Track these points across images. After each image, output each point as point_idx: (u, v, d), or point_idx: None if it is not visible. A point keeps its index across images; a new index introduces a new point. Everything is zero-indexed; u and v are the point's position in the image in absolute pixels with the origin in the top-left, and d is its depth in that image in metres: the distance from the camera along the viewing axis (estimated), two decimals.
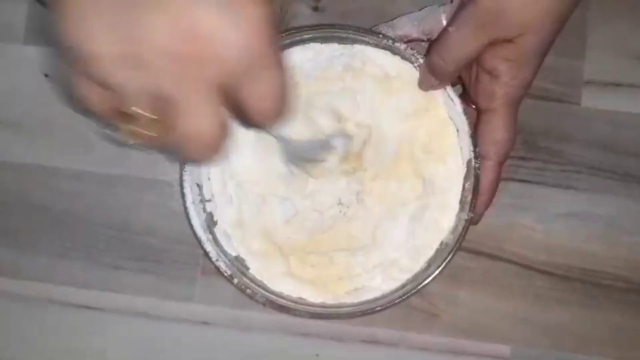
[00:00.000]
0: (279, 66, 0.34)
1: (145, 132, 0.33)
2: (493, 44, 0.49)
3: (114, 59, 0.31)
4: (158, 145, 0.35)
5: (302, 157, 0.54)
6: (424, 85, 0.54)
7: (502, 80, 0.50)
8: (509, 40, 0.49)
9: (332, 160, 0.54)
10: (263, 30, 0.31)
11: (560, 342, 0.58)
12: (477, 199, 0.53)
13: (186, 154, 0.34)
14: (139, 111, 0.32)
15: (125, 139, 0.34)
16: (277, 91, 0.34)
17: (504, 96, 0.51)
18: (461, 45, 0.50)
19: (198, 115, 0.32)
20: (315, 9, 0.60)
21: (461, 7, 0.51)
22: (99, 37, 0.30)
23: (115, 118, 0.34)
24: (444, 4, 0.55)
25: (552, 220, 0.59)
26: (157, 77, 0.31)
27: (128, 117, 0.33)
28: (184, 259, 0.59)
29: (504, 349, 0.58)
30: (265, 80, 0.33)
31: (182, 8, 0.30)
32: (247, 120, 0.35)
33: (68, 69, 0.33)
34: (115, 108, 0.33)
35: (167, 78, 0.31)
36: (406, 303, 0.56)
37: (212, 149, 0.34)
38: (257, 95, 0.33)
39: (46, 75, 0.61)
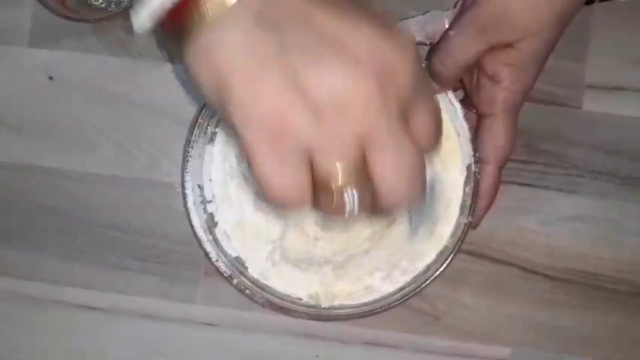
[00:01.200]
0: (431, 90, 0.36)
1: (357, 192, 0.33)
2: (494, 48, 0.49)
3: (306, 126, 0.32)
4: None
5: None
6: None
7: (503, 85, 0.50)
8: (510, 45, 0.49)
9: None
10: (415, 50, 0.33)
11: (563, 345, 0.58)
12: (476, 203, 0.53)
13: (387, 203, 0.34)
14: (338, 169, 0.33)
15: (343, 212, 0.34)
16: (438, 115, 0.36)
17: (505, 101, 0.51)
18: (462, 50, 0.50)
19: (401, 153, 0.33)
20: None
21: (462, 11, 0.51)
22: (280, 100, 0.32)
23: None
24: (447, 9, 0.56)
25: (554, 223, 0.59)
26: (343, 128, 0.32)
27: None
28: (187, 260, 0.60)
29: (505, 352, 0.58)
30: (430, 103, 0.35)
31: (339, 44, 0.31)
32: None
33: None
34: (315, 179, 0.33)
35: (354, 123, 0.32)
36: (408, 305, 0.56)
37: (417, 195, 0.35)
38: (427, 116, 0.35)
39: (50, 78, 0.62)
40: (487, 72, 0.51)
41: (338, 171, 0.32)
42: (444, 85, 0.53)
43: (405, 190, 0.33)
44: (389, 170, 0.33)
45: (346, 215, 0.33)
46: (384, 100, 0.31)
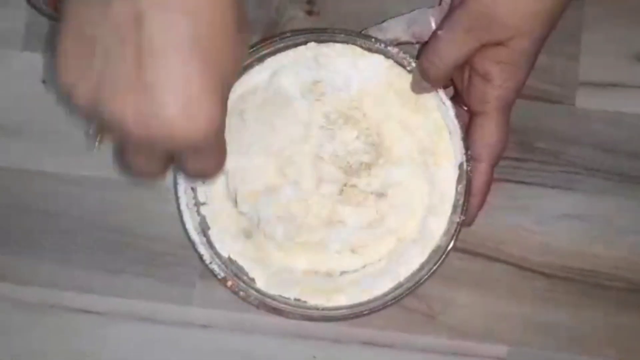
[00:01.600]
0: (219, 154, 0.41)
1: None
2: (484, 46, 0.49)
3: (86, 108, 0.37)
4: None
5: None
6: (416, 88, 0.54)
7: (495, 83, 0.50)
8: (500, 43, 0.49)
9: None
10: (210, 130, 0.36)
11: (559, 343, 0.58)
12: (469, 202, 0.53)
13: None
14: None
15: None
16: (210, 170, 0.41)
17: (497, 99, 0.51)
18: (451, 49, 0.50)
19: (146, 165, 0.40)
20: (310, 13, 0.61)
21: (451, 10, 0.51)
22: (79, 91, 0.36)
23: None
24: (432, 7, 0.56)
25: (550, 221, 0.59)
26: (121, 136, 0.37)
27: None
28: (182, 262, 0.60)
29: (502, 350, 0.58)
30: (203, 162, 0.40)
31: (145, 98, 0.35)
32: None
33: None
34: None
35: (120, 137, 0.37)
36: (404, 305, 0.57)
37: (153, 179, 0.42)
38: (196, 168, 0.40)
39: (44, 82, 0.62)
40: (478, 71, 0.51)
41: None
42: (434, 84, 0.53)
43: None
44: None
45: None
46: None
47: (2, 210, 0.62)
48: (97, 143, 0.42)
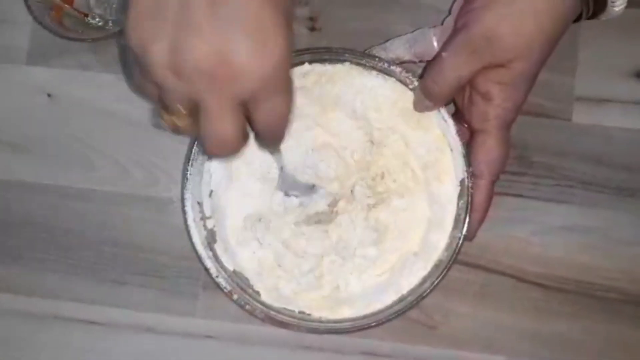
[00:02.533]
0: (289, 92, 0.40)
1: (181, 124, 0.40)
2: (486, 68, 0.50)
3: (163, 66, 0.37)
4: (189, 135, 0.44)
5: (294, 191, 0.57)
6: (419, 107, 0.55)
7: (495, 103, 0.52)
8: (501, 65, 0.50)
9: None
10: (281, 61, 0.37)
11: (557, 353, 0.59)
12: (470, 217, 0.54)
13: (208, 149, 0.41)
14: (178, 107, 0.39)
15: (166, 126, 0.41)
16: (283, 112, 0.41)
17: (497, 118, 0.52)
18: (454, 70, 0.51)
19: (219, 121, 0.39)
20: (312, 29, 0.62)
21: (454, 32, 0.52)
22: (155, 47, 0.37)
23: (161, 108, 0.41)
24: (434, 26, 0.57)
25: (546, 233, 0.60)
26: (192, 86, 0.37)
27: (170, 109, 0.40)
28: (186, 274, 0.60)
29: None
30: (276, 102, 0.40)
31: (220, 35, 0.36)
32: (256, 133, 0.42)
33: (132, 64, 0.40)
34: (162, 100, 0.40)
35: (200, 89, 0.37)
36: (405, 316, 0.57)
37: (229, 148, 0.40)
38: (267, 112, 0.40)
39: (49, 96, 0.62)
40: (479, 90, 0.52)
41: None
42: (437, 103, 0.54)
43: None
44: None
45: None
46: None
47: (6, 223, 0.62)
48: (164, 122, 0.41)
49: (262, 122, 0.40)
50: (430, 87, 0.53)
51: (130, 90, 0.62)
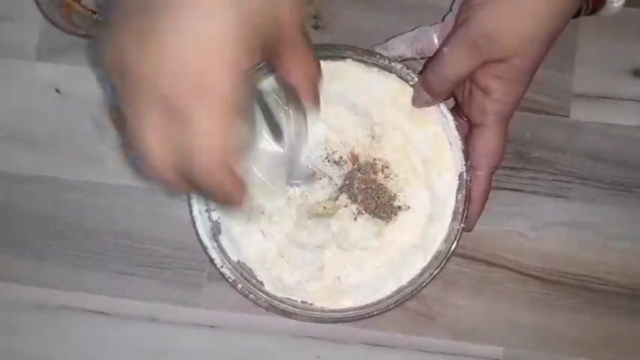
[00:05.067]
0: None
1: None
2: (485, 63, 0.51)
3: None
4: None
5: (296, 179, 0.57)
6: (418, 102, 0.56)
7: (494, 97, 0.52)
8: (501, 60, 0.51)
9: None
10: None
11: (553, 345, 0.60)
12: (468, 210, 0.55)
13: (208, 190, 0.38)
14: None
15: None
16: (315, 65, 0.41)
17: (496, 112, 0.53)
18: (455, 66, 0.52)
19: (209, 129, 0.36)
20: (316, 27, 0.62)
21: (454, 28, 0.53)
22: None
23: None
24: (434, 23, 0.58)
25: (544, 227, 0.61)
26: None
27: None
28: (191, 265, 0.62)
29: (498, 351, 0.60)
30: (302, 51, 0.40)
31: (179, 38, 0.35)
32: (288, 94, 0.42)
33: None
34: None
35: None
36: (405, 307, 0.58)
37: (227, 172, 0.37)
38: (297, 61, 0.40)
39: (58, 91, 0.63)
40: (479, 85, 0.53)
41: None
42: (437, 97, 0.55)
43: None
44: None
45: None
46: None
47: (15, 216, 0.63)
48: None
49: (296, 72, 0.41)
50: (431, 82, 0.54)
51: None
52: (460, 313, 0.61)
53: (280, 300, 0.56)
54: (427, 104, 0.56)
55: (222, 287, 0.59)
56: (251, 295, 0.56)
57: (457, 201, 0.56)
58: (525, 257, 0.61)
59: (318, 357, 0.61)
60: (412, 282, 0.56)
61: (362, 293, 0.56)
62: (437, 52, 0.55)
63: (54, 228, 0.63)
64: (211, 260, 0.56)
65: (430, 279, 0.55)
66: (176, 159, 0.36)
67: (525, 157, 0.61)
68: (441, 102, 0.56)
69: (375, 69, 0.57)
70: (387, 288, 0.56)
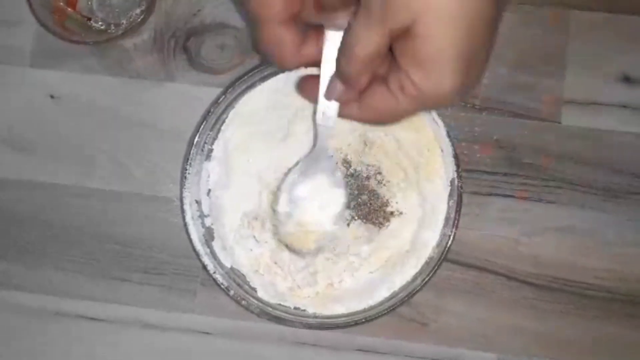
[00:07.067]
0: None
1: None
2: (397, 38, 0.40)
3: None
4: None
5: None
6: (328, 93, 0.46)
7: (412, 80, 0.41)
8: (412, 34, 0.39)
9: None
10: None
11: (546, 350, 0.60)
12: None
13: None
14: None
15: None
16: None
17: (412, 98, 0.42)
18: (360, 39, 0.41)
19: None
20: None
21: None
22: None
23: None
24: None
25: (536, 233, 0.61)
26: None
27: None
28: (184, 271, 0.62)
29: (491, 357, 0.60)
30: None
31: None
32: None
33: None
34: None
35: None
36: (398, 313, 0.58)
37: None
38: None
39: (52, 97, 0.64)
40: (399, 65, 0.42)
41: None
42: (351, 87, 0.44)
43: None
44: None
45: None
46: None
47: (11, 221, 0.63)
48: None
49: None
50: (343, 66, 0.43)
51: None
52: (452, 319, 0.61)
53: (273, 307, 0.57)
54: (341, 97, 0.45)
55: (215, 293, 0.59)
56: (244, 302, 0.56)
57: (448, 207, 0.56)
58: (517, 263, 0.61)
59: None
60: (404, 288, 0.56)
61: (355, 299, 0.57)
62: (346, 29, 0.43)
63: (47, 233, 0.63)
64: (204, 267, 0.56)
65: (422, 285, 0.55)
66: None
67: (517, 163, 0.61)
68: (358, 91, 0.44)
69: None
70: (380, 294, 0.56)
